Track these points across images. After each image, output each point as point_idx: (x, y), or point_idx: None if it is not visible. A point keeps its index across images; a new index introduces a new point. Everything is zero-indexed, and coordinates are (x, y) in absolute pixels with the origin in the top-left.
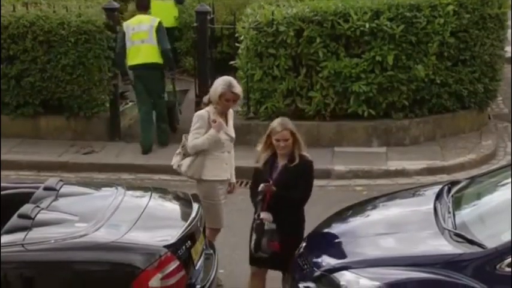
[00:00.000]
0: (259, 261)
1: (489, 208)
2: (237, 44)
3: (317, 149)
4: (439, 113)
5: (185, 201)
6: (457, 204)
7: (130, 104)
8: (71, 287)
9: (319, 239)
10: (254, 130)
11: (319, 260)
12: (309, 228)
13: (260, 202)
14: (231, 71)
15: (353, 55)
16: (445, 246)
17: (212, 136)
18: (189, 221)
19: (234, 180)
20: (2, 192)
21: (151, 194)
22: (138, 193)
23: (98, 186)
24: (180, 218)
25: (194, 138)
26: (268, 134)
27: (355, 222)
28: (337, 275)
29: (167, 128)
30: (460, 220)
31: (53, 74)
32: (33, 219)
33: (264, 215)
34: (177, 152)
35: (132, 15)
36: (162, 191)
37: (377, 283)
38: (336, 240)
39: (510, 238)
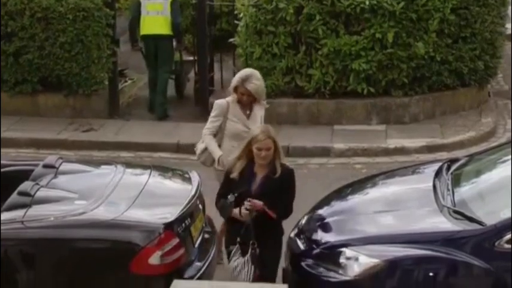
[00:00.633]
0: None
1: (488, 185)
2: (236, 22)
3: (316, 127)
4: (439, 90)
5: (185, 179)
6: (456, 181)
7: (129, 81)
8: (70, 264)
9: (319, 216)
10: None
11: (319, 237)
12: (308, 206)
13: (227, 211)
14: (230, 48)
15: (353, 32)
16: (444, 224)
17: (213, 153)
18: (188, 199)
19: None
20: (1, 170)
21: (150, 172)
22: (138, 171)
23: (97, 164)
24: (180, 195)
25: (210, 126)
26: (248, 141)
27: (355, 199)
28: (336, 252)
29: (165, 102)
30: (459, 197)
31: (51, 51)
32: (33, 196)
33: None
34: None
35: None
36: (162, 169)
37: (376, 260)
38: (335, 218)
39: (509, 215)
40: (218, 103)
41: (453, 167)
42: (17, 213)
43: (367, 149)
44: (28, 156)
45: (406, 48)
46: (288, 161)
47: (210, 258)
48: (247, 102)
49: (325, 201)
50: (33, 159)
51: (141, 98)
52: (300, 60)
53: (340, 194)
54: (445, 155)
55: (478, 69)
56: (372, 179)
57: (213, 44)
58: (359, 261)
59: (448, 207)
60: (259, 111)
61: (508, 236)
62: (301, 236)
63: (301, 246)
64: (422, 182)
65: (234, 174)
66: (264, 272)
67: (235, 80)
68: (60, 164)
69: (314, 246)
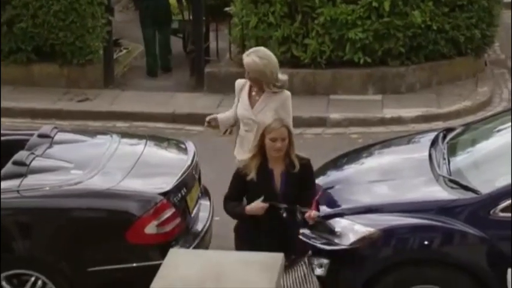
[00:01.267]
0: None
1: (484, 154)
2: None
3: (312, 97)
4: (436, 59)
5: (180, 149)
6: (452, 150)
7: (124, 51)
8: (66, 233)
9: None
10: None
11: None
12: None
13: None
14: (226, 17)
15: (349, 1)
16: (439, 192)
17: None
18: (184, 169)
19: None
20: None
21: (146, 142)
22: (133, 141)
23: (92, 133)
24: (176, 165)
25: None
26: (261, 135)
27: (350, 169)
28: (332, 221)
29: (169, 55)
30: (455, 166)
31: (45, 20)
32: (28, 166)
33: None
34: None
35: None
36: (157, 139)
37: (372, 229)
38: (331, 187)
39: (504, 184)
40: (237, 81)
41: (449, 136)
42: (13, 183)
43: (363, 119)
44: (23, 126)
45: (403, 17)
46: None
47: (206, 227)
48: (252, 83)
49: (321, 171)
50: (28, 128)
51: (136, 68)
52: (296, 30)
53: (336, 163)
54: (441, 125)
55: (474, 38)
56: (368, 149)
57: (208, 13)
58: (355, 230)
59: (443, 176)
60: (271, 102)
61: (503, 205)
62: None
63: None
64: (418, 151)
65: (251, 176)
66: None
67: (244, 55)
68: (56, 134)
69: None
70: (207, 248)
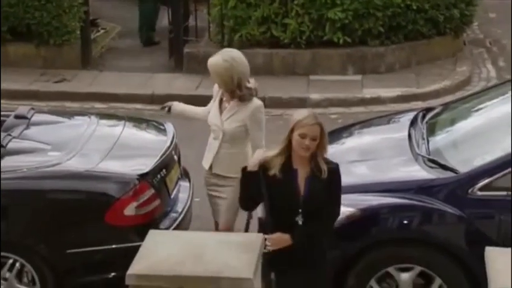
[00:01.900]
0: None
1: (462, 134)
2: None
3: (292, 78)
4: (415, 39)
5: (159, 130)
6: (431, 130)
7: (102, 31)
8: (44, 216)
9: None
10: None
11: None
12: None
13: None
14: None
15: None
16: (418, 172)
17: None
18: (163, 150)
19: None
20: None
21: (125, 123)
22: (112, 122)
23: (70, 115)
24: (155, 147)
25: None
26: (291, 129)
27: (331, 149)
28: None
29: (149, 28)
30: (434, 146)
31: None
32: (5, 147)
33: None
34: None
35: None
36: (136, 120)
37: (351, 209)
38: None
39: (482, 163)
40: (215, 85)
41: (428, 116)
42: None
43: (343, 99)
44: None
45: None
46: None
47: (186, 208)
48: (220, 87)
49: None
50: (4, 110)
51: (114, 49)
52: (276, 10)
53: None
54: (420, 104)
55: (453, 18)
56: (348, 129)
57: None
58: None
59: (422, 156)
60: (239, 112)
61: (481, 184)
62: None
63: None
64: (397, 131)
65: (274, 171)
66: None
67: None
68: (32, 115)
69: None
70: (186, 229)
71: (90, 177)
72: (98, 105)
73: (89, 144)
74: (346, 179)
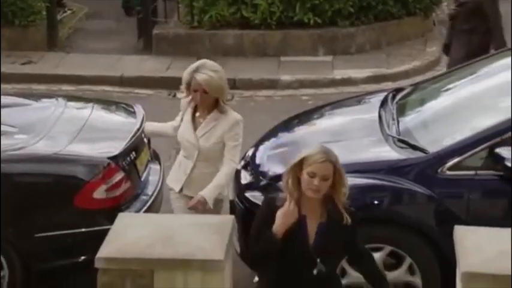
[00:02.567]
0: None
1: (432, 114)
2: None
3: (263, 59)
4: (385, 20)
5: (129, 113)
6: (401, 111)
7: (68, 12)
8: (11, 200)
9: (265, 148)
10: (198, 40)
11: (266, 169)
12: (255, 138)
13: None
14: None
15: None
16: (388, 153)
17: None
18: (133, 133)
19: (203, 193)
20: None
21: (93, 106)
22: (80, 104)
23: (37, 97)
24: (124, 129)
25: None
26: (299, 162)
27: (301, 131)
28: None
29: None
30: (404, 126)
31: None
32: None
33: None
34: None
35: None
36: (105, 103)
37: None
38: (282, 149)
39: (451, 142)
40: (182, 99)
41: (398, 97)
42: None
43: (314, 80)
44: None
45: None
46: (235, 94)
47: (156, 191)
48: (202, 103)
49: (272, 133)
50: None
51: (81, 30)
52: None
53: (286, 125)
54: (390, 85)
55: None
56: (319, 110)
57: None
58: None
59: (392, 137)
60: (217, 126)
61: (450, 163)
62: (248, 168)
63: (248, 178)
64: (368, 112)
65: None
66: None
67: (186, 73)
68: None
69: (261, 177)
70: (157, 212)
71: (58, 160)
72: (66, 88)
73: (56, 126)
74: None
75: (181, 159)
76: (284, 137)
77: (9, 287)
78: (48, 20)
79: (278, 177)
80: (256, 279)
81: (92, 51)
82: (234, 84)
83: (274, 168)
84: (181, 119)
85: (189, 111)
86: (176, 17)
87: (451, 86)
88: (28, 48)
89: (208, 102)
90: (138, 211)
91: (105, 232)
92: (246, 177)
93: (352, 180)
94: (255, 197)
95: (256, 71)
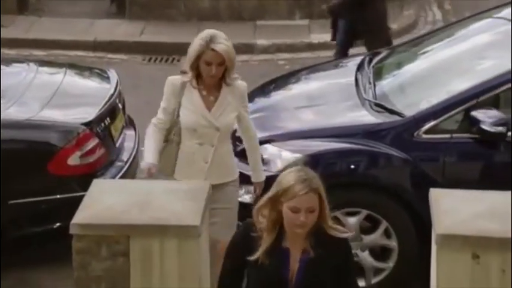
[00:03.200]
0: None
1: (409, 77)
2: None
3: (239, 23)
4: None
5: (103, 78)
6: (378, 74)
7: None
8: None
9: None
10: (172, 4)
11: None
12: None
13: None
14: None
15: None
16: (365, 117)
17: (144, 155)
18: (107, 98)
19: (256, 180)
20: None
21: (66, 71)
22: (52, 69)
23: (7, 62)
24: (98, 95)
25: (160, 113)
26: (277, 195)
27: (278, 95)
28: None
29: None
30: (381, 90)
31: None
32: None
33: None
34: None
35: None
36: (78, 68)
37: (298, 155)
38: (258, 115)
39: (427, 106)
40: (170, 80)
41: (374, 60)
42: None
43: (291, 45)
44: None
45: None
46: None
47: (132, 158)
48: (216, 77)
49: (248, 98)
50: None
51: None
52: None
53: (263, 90)
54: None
55: None
56: (295, 75)
57: None
58: (282, 157)
59: (369, 101)
60: (231, 99)
61: (426, 127)
62: None
63: None
64: (344, 76)
65: (256, 255)
66: None
67: (196, 45)
68: None
69: (237, 143)
70: (133, 178)
71: (31, 126)
72: (37, 53)
73: (28, 92)
74: (293, 125)
75: (193, 148)
76: (260, 101)
77: None
78: None
79: None
80: None
81: (64, 15)
82: None
83: None
84: (178, 106)
85: (195, 92)
86: None
87: (427, 49)
88: None
89: (219, 76)
90: (113, 177)
91: (80, 199)
92: None
93: (329, 145)
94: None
95: (232, 35)
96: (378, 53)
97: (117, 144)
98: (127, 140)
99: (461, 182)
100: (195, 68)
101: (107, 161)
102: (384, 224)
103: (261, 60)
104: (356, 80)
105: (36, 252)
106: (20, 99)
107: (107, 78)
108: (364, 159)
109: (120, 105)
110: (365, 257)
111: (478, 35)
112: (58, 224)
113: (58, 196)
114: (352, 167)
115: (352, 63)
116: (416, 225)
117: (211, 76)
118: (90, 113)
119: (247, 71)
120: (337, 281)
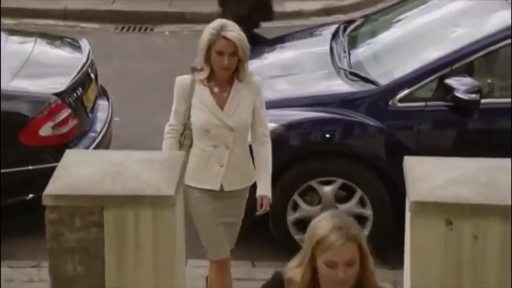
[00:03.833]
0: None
1: (383, 46)
2: None
3: None
4: None
5: (74, 47)
6: (352, 43)
7: None
8: None
9: None
10: None
11: None
12: None
13: None
14: None
15: None
16: (340, 86)
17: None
18: (79, 68)
19: (262, 192)
20: None
21: (36, 40)
22: (22, 39)
23: None
24: (70, 64)
25: (172, 119)
26: (309, 248)
27: (252, 65)
28: None
29: None
30: (355, 59)
31: None
32: None
33: None
34: None
35: None
36: (49, 37)
37: (274, 124)
38: None
39: (401, 74)
40: (178, 80)
41: (349, 29)
42: None
43: None
44: None
45: None
46: (184, 28)
47: (105, 128)
48: (230, 68)
49: None
50: None
51: None
52: None
53: None
54: (342, 17)
55: None
56: (270, 44)
57: None
58: None
59: (344, 69)
60: (246, 94)
61: (401, 95)
62: None
63: None
64: (319, 45)
65: None
66: None
67: (207, 33)
68: None
69: None
70: (107, 149)
71: (1, 96)
72: (6, 21)
73: None
74: (268, 95)
75: (208, 151)
76: None
77: None
78: None
79: None
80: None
81: None
82: (183, 17)
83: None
84: (189, 106)
85: (206, 90)
86: None
87: (401, 17)
88: None
89: (232, 69)
90: (86, 148)
91: (52, 170)
92: None
93: (304, 114)
94: None
95: (205, 3)
96: (353, 21)
97: (90, 115)
98: (100, 111)
99: (436, 149)
100: (208, 59)
101: (80, 132)
102: (359, 193)
103: None
104: (331, 48)
105: (10, 223)
106: None
107: (78, 48)
108: (339, 128)
109: (92, 75)
110: None
111: (452, 2)
112: (31, 196)
113: (30, 167)
114: (327, 136)
115: (327, 32)
116: (391, 194)
117: (224, 68)
118: (61, 83)
119: None
120: None
